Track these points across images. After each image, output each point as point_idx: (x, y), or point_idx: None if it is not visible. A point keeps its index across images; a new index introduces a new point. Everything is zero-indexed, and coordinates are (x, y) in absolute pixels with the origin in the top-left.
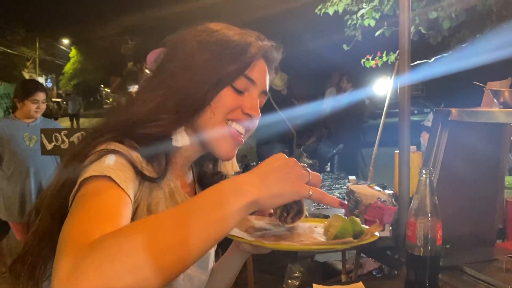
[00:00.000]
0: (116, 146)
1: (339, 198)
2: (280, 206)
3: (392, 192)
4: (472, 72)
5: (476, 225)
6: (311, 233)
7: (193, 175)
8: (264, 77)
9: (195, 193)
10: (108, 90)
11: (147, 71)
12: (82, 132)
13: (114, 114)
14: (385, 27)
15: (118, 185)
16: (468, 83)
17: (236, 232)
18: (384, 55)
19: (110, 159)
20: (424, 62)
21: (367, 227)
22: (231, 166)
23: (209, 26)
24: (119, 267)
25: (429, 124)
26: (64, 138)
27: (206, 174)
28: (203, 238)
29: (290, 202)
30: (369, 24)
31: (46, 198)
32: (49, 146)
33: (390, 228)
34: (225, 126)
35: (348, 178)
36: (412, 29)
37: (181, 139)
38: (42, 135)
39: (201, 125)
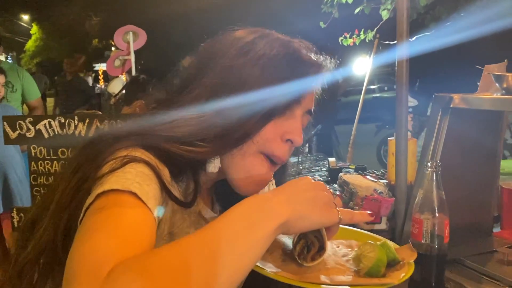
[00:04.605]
0: (142, 154)
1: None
2: (301, 241)
3: (386, 181)
4: (448, 50)
5: (473, 214)
6: (338, 259)
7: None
8: (312, 95)
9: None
10: None
11: (113, 48)
12: (49, 120)
13: (145, 119)
14: (365, 4)
15: (144, 203)
16: (439, 60)
17: None
18: (362, 33)
19: (135, 170)
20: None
21: (397, 246)
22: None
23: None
24: None
25: (410, 104)
26: (30, 126)
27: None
28: (235, 267)
29: (314, 231)
30: (346, 1)
31: (48, 208)
32: (13, 135)
33: (387, 220)
34: (257, 160)
35: (328, 160)
36: (389, 5)
37: (214, 166)
38: (5, 123)
39: (234, 154)
